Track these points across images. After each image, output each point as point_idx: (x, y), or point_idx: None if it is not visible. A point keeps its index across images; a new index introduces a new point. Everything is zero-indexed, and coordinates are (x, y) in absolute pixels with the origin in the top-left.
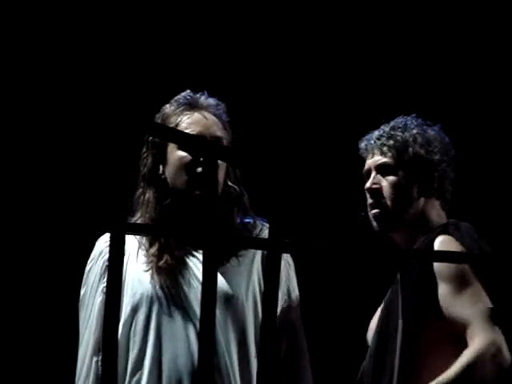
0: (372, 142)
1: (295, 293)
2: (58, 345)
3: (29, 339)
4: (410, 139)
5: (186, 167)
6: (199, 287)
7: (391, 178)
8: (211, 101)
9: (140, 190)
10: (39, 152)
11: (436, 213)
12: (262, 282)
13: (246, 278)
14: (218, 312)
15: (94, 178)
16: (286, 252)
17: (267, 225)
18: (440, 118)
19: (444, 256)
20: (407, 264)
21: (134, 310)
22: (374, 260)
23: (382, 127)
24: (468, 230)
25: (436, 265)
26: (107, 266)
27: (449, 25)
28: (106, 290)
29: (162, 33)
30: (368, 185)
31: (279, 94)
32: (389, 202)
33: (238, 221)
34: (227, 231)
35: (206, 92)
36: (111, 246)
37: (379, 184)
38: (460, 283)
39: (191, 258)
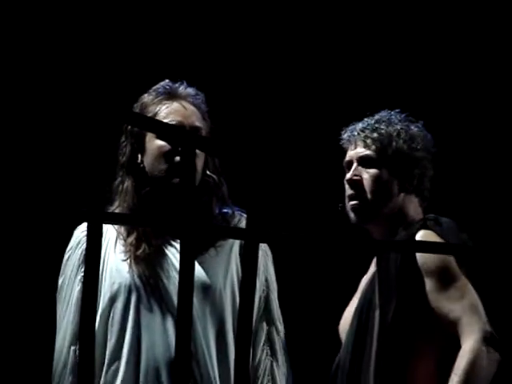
0: (355, 133)
1: (273, 282)
2: (35, 334)
3: (6, 329)
4: (394, 134)
5: (164, 156)
6: (177, 277)
7: (373, 170)
8: (190, 90)
9: (118, 179)
10: (15, 141)
11: (414, 209)
12: (240, 272)
13: (223, 267)
14: (195, 302)
15: (71, 167)
16: (264, 242)
17: (245, 215)
18: (424, 114)
19: (423, 247)
20: (384, 255)
21: (112, 300)
22: (351, 249)
23: (365, 119)
24: (448, 224)
25: (420, 260)
26: (85, 256)
27: (436, 19)
28: (84, 279)
29: (142, 22)
30: (349, 176)
31: (257, 82)
32: (369, 195)
33: (217, 211)
34: (205, 221)
35: (184, 82)
36: (88, 235)
37: (360, 176)
38: (446, 277)
39: (169, 247)
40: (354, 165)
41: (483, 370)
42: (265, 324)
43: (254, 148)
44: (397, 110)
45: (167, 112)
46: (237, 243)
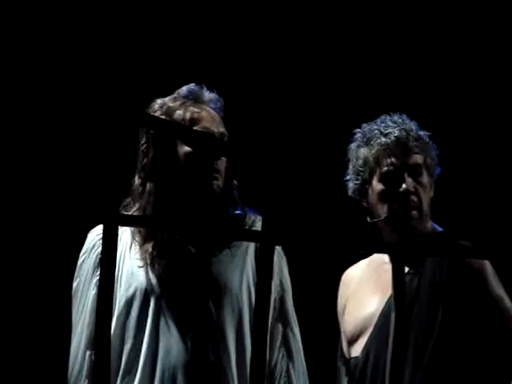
0: (401, 140)
1: (288, 284)
2: (51, 339)
3: (21, 333)
4: (430, 142)
5: (191, 162)
6: (192, 281)
7: (425, 180)
8: (213, 96)
9: (138, 182)
10: (31, 143)
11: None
12: (255, 274)
13: (239, 269)
14: (212, 305)
15: (87, 169)
16: (280, 244)
17: (259, 217)
18: (424, 113)
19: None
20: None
21: (129, 304)
22: (367, 252)
23: (393, 125)
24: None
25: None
26: (100, 259)
27: (439, 20)
28: (99, 282)
29: (155, 24)
30: (410, 187)
31: (269, 85)
32: (425, 205)
33: (230, 213)
34: (221, 224)
35: (204, 86)
36: (104, 237)
37: (415, 187)
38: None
39: (186, 251)
40: (406, 174)
41: None
42: (280, 326)
43: (269, 151)
44: (398, 114)
45: (197, 118)
46: (252, 245)
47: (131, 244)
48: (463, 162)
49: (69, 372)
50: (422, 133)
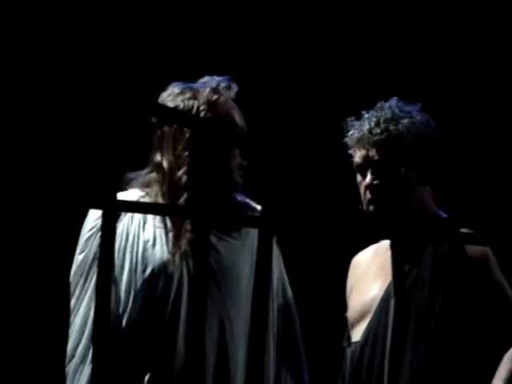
0: (365, 136)
1: (285, 273)
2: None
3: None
4: (405, 131)
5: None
6: (216, 271)
7: (391, 172)
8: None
9: (181, 173)
10: (30, 132)
11: (431, 200)
12: None
13: (250, 258)
14: (223, 295)
15: (86, 156)
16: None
17: (255, 204)
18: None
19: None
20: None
21: (152, 284)
22: (369, 239)
23: (368, 117)
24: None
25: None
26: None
27: (438, 15)
28: (98, 268)
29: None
30: (368, 181)
31: (270, 79)
32: (391, 198)
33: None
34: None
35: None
36: (103, 223)
37: (379, 179)
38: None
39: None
40: (370, 169)
41: None
42: (283, 314)
43: (269, 139)
44: (394, 100)
45: (236, 111)
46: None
47: (162, 233)
48: (464, 151)
49: (69, 353)
50: (394, 128)
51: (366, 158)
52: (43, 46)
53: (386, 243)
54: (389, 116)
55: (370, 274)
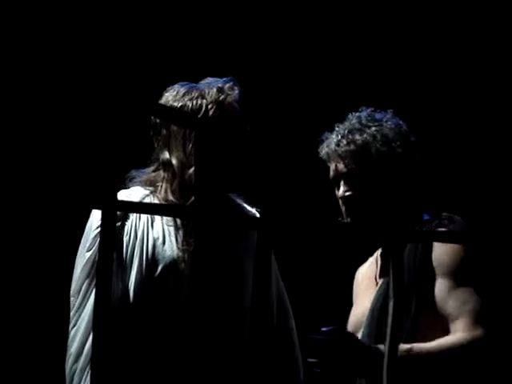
0: (332, 149)
1: (275, 265)
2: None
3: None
4: (371, 139)
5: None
6: (228, 274)
7: (362, 182)
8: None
9: (156, 169)
10: (30, 131)
11: (412, 205)
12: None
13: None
14: (230, 298)
15: (86, 156)
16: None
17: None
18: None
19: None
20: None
21: (161, 280)
22: (372, 236)
23: (337, 130)
24: (460, 223)
25: (436, 258)
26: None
27: (433, 17)
28: (97, 270)
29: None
30: (340, 194)
31: (270, 81)
32: (366, 208)
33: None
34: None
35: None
36: (102, 223)
37: (351, 191)
38: (459, 279)
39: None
40: (342, 181)
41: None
42: (282, 316)
43: (269, 141)
44: (363, 109)
45: (235, 108)
46: None
47: (173, 233)
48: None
49: (76, 351)
50: (359, 138)
51: (336, 170)
52: (44, 46)
53: (376, 254)
54: (356, 126)
55: (362, 286)
